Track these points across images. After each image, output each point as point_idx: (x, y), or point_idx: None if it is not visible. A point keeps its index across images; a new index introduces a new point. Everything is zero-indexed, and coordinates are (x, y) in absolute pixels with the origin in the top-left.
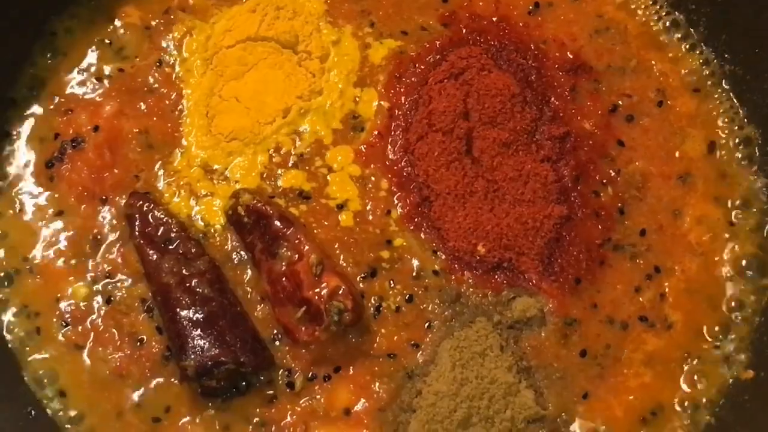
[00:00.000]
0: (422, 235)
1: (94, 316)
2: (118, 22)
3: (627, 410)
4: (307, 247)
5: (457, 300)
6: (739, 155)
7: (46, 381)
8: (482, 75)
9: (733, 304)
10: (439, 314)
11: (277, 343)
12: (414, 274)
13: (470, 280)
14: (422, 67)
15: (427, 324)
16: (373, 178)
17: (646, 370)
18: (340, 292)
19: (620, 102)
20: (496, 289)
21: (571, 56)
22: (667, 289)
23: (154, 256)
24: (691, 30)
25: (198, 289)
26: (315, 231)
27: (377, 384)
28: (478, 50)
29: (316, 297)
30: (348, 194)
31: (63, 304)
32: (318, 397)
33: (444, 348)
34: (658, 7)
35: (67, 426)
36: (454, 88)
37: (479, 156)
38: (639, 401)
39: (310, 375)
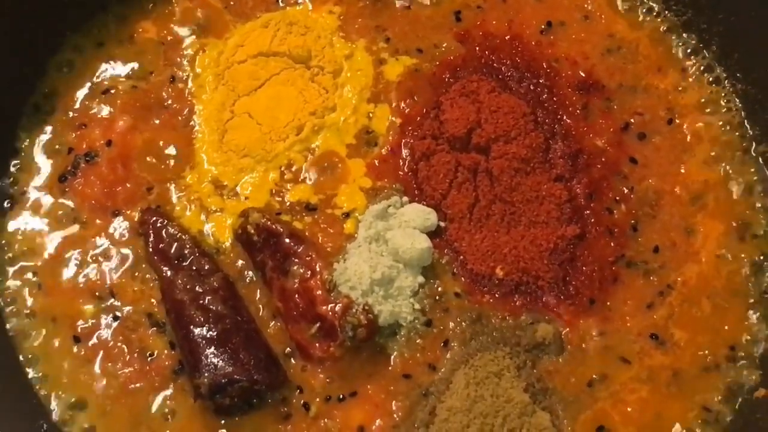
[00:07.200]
0: (442, 260)
1: (103, 332)
2: (134, 38)
3: (640, 430)
4: (319, 264)
5: (478, 321)
6: (751, 173)
7: (57, 396)
8: (492, 95)
9: (744, 322)
10: (459, 335)
11: (291, 359)
12: (436, 297)
13: (491, 301)
14: (435, 85)
15: (443, 343)
16: (385, 191)
17: (658, 387)
18: (354, 307)
19: (632, 120)
20: (515, 313)
21: (583, 75)
22: (678, 307)
23: (168, 273)
24: (704, 49)
25: (211, 307)
26: (321, 241)
27: (393, 402)
28: (487, 77)
29: (330, 313)
30: (356, 203)
31: (73, 320)
32: (333, 414)
33: (460, 368)
34: (669, 26)
35: None
36: (467, 102)
37: (499, 175)
38: (650, 420)
39: (325, 393)
